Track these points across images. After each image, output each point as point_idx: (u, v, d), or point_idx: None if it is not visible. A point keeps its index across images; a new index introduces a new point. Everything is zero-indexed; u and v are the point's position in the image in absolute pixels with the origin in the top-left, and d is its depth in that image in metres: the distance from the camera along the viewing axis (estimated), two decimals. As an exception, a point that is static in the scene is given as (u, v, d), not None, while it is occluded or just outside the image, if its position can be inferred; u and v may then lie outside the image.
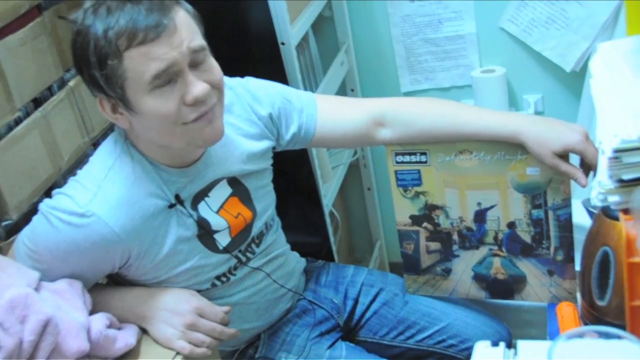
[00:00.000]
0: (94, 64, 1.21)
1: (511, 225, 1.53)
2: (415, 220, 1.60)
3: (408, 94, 2.44)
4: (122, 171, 1.32)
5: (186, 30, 1.22)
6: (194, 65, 1.24)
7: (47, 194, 1.44)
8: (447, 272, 1.63)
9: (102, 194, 1.29)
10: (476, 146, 1.48)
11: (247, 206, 1.49)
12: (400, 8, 2.31)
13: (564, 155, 1.39)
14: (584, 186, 1.37)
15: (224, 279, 1.48)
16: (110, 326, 1.27)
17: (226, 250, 1.45)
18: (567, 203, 1.46)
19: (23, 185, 1.43)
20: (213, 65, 1.29)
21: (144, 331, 1.35)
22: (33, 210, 1.36)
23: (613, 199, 1.07)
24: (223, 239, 1.45)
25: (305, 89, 1.77)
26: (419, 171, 1.55)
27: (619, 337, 0.91)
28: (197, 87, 1.23)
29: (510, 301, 1.62)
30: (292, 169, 1.91)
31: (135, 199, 1.31)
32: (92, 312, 1.28)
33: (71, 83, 1.58)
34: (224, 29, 1.82)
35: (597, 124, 1.15)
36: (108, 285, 1.46)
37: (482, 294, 1.62)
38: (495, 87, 2.25)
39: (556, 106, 2.30)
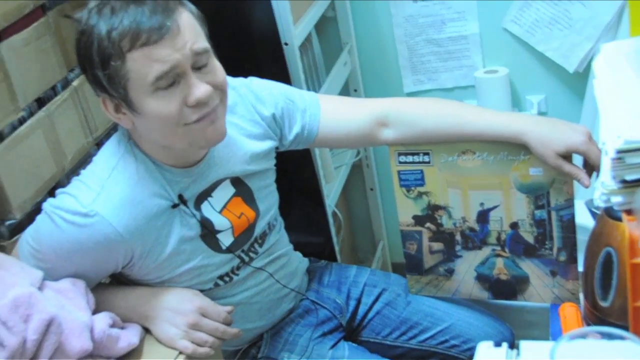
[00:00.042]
0: (97, 64, 1.21)
1: (514, 225, 1.53)
2: (418, 220, 1.60)
3: (411, 94, 2.44)
4: (125, 171, 1.32)
5: (189, 32, 1.23)
6: (197, 67, 1.24)
7: (51, 193, 1.44)
8: (450, 272, 1.63)
9: (105, 194, 1.29)
10: (479, 146, 1.48)
11: (250, 206, 1.49)
12: (403, 8, 2.31)
13: (567, 156, 1.39)
14: (587, 187, 1.37)
15: (226, 278, 1.48)
16: (113, 325, 1.27)
17: (229, 250, 1.46)
18: (570, 204, 1.46)
19: (27, 185, 1.43)
20: (216, 66, 1.29)
21: (147, 331, 1.35)
22: (37, 210, 1.36)
23: (616, 199, 1.07)
24: (226, 239, 1.45)
25: (308, 90, 1.77)
26: (422, 171, 1.55)
27: (621, 337, 0.90)
28: (200, 89, 1.23)
29: (513, 302, 1.62)
30: (295, 169, 1.91)
31: (139, 198, 1.31)
32: (95, 312, 1.28)
33: (75, 83, 1.59)
34: (227, 29, 1.82)
35: (600, 124, 1.15)
36: (111, 284, 1.46)
37: (485, 294, 1.62)
38: (499, 87, 2.25)
39: (559, 107, 2.29)
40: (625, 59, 1.25)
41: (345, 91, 2.40)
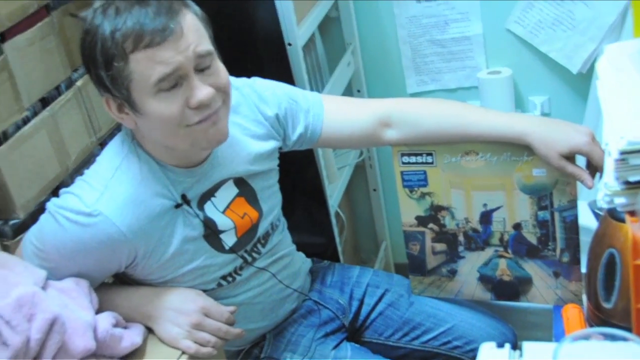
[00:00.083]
0: (101, 64, 1.21)
1: (517, 226, 1.53)
2: (421, 221, 1.60)
3: (414, 95, 2.44)
4: (129, 171, 1.32)
5: (193, 34, 1.23)
6: (200, 69, 1.24)
7: (55, 193, 1.44)
8: (453, 273, 1.63)
9: (109, 194, 1.29)
10: (482, 147, 1.48)
11: (253, 206, 1.49)
12: (407, 9, 2.31)
13: (570, 157, 1.39)
14: (590, 188, 1.37)
15: (229, 279, 1.48)
16: (116, 325, 1.27)
17: (232, 250, 1.46)
18: (573, 205, 1.46)
19: (30, 184, 1.43)
20: (219, 68, 1.29)
21: (149, 330, 1.35)
22: (40, 209, 1.36)
23: (619, 200, 1.07)
24: (229, 239, 1.45)
25: (312, 90, 1.77)
26: (425, 172, 1.55)
27: (624, 339, 0.90)
28: (202, 91, 1.23)
29: (515, 303, 1.62)
30: (298, 169, 1.91)
31: (142, 198, 1.31)
32: (98, 311, 1.28)
33: (79, 83, 1.59)
34: (231, 29, 1.82)
35: (604, 125, 1.15)
36: (114, 284, 1.46)
37: (488, 295, 1.62)
38: (502, 88, 2.25)
39: (562, 108, 2.29)
40: (629, 59, 1.25)
41: (349, 91, 2.40)
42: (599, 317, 1.12)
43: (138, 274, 1.40)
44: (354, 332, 1.70)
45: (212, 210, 1.42)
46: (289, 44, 1.81)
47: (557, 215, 1.48)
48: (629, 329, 1.04)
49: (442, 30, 2.32)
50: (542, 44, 2.21)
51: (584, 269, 1.39)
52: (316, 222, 2.05)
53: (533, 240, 1.52)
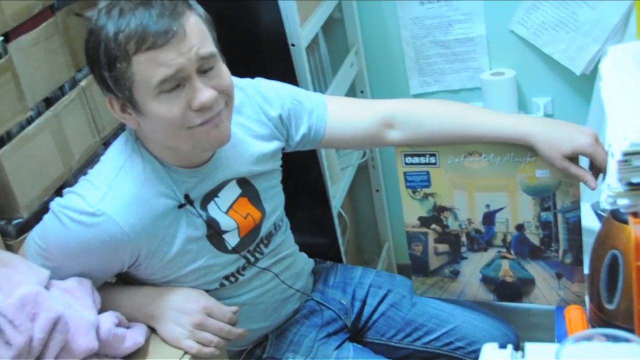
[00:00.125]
0: (104, 65, 1.22)
1: (520, 227, 1.53)
2: (424, 221, 1.60)
3: (417, 96, 2.44)
4: (132, 171, 1.33)
5: (196, 36, 1.23)
6: (203, 70, 1.24)
7: (58, 192, 1.45)
8: (455, 274, 1.63)
9: (112, 194, 1.29)
10: (485, 148, 1.48)
11: (256, 207, 1.49)
12: (410, 10, 2.31)
13: (573, 158, 1.38)
14: (593, 189, 1.37)
15: (232, 279, 1.49)
16: (119, 325, 1.27)
17: (235, 250, 1.46)
18: (576, 206, 1.46)
19: (34, 184, 1.44)
20: (222, 71, 1.29)
21: (152, 330, 1.35)
22: (44, 209, 1.36)
23: (622, 202, 1.07)
24: (232, 239, 1.45)
25: (315, 91, 1.78)
26: (428, 172, 1.55)
27: (627, 340, 0.90)
28: (204, 93, 1.24)
29: (518, 304, 1.62)
30: (301, 170, 1.92)
31: (145, 198, 1.32)
32: (101, 311, 1.28)
33: (82, 83, 1.59)
34: (235, 30, 1.83)
35: (607, 126, 1.15)
36: (117, 284, 1.46)
37: (490, 296, 1.62)
38: (505, 89, 2.25)
39: (566, 109, 2.29)
40: (632, 61, 1.25)
41: (352, 92, 2.40)
42: (601, 319, 1.12)
43: (141, 274, 1.40)
44: (356, 333, 1.70)
45: (215, 210, 1.42)
46: (293, 45, 1.81)
47: (560, 217, 1.48)
48: (631, 330, 1.04)
49: (445, 32, 2.32)
50: (545, 46, 2.21)
51: (586, 270, 1.38)
52: (319, 222, 2.05)
53: (536, 241, 1.52)
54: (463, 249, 1.60)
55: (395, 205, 2.58)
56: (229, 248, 1.45)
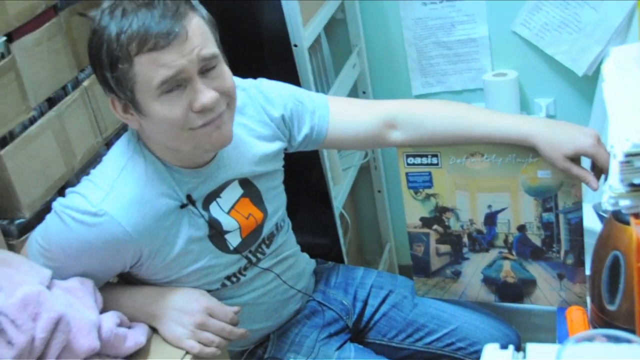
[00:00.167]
0: (106, 66, 1.22)
1: (521, 228, 1.53)
2: (426, 222, 1.60)
3: (419, 96, 2.44)
4: (134, 171, 1.33)
5: (198, 37, 1.23)
6: (205, 70, 1.25)
7: (60, 192, 1.45)
8: (457, 274, 1.63)
9: (114, 194, 1.29)
10: (487, 149, 1.48)
11: (258, 207, 1.49)
12: (413, 11, 2.31)
13: (575, 159, 1.38)
14: (595, 190, 1.37)
15: (234, 279, 1.49)
16: (120, 325, 1.28)
17: (237, 250, 1.46)
18: (578, 206, 1.46)
19: (36, 184, 1.44)
20: (224, 72, 1.29)
21: (154, 330, 1.36)
22: (46, 209, 1.37)
23: (624, 203, 1.07)
24: (234, 240, 1.45)
25: (317, 91, 1.78)
26: (430, 173, 1.55)
27: (628, 341, 0.90)
28: (206, 95, 1.24)
29: (519, 305, 1.62)
30: (303, 170, 1.92)
31: (147, 198, 1.32)
32: (102, 311, 1.29)
33: (85, 83, 1.60)
34: (237, 30, 1.83)
35: (609, 127, 1.15)
36: (119, 284, 1.47)
37: (492, 297, 1.62)
38: (507, 90, 2.25)
39: (568, 110, 2.29)
40: (635, 62, 1.25)
41: (354, 93, 2.40)
42: (602, 320, 1.12)
43: (143, 274, 1.40)
44: (358, 333, 1.70)
45: (217, 210, 1.42)
46: (295, 45, 1.81)
47: (561, 217, 1.48)
48: (632, 331, 1.04)
49: (448, 32, 2.32)
50: (548, 47, 2.21)
51: (588, 271, 1.38)
52: (321, 223, 2.05)
53: (537, 242, 1.52)
54: (465, 250, 1.60)
55: (397, 205, 2.58)
56: (231, 248, 1.45)
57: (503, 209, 1.53)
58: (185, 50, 1.20)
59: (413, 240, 1.63)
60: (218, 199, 1.43)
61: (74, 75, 1.58)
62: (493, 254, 1.58)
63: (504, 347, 1.18)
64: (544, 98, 2.31)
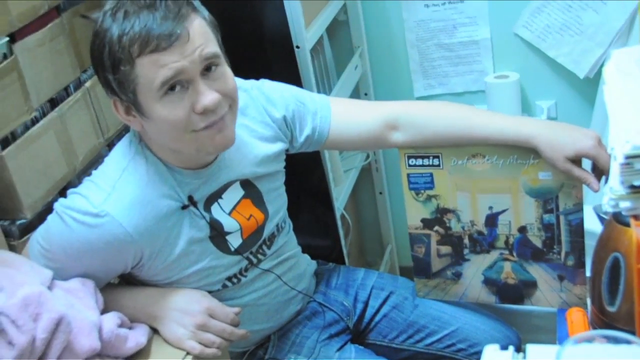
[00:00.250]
0: (108, 68, 1.22)
1: (522, 229, 1.53)
2: (427, 223, 1.60)
3: (421, 98, 2.44)
4: (136, 172, 1.33)
5: (200, 38, 1.23)
6: (206, 70, 1.25)
7: (62, 193, 1.45)
8: (458, 276, 1.63)
9: (116, 195, 1.30)
10: (489, 150, 1.48)
11: (259, 208, 1.50)
12: (415, 13, 2.31)
13: (576, 160, 1.38)
14: (596, 191, 1.37)
15: (235, 280, 1.49)
16: (121, 325, 1.28)
17: (238, 251, 1.46)
18: (578, 208, 1.46)
19: (38, 185, 1.44)
20: (226, 73, 1.29)
21: (154, 331, 1.36)
22: (47, 210, 1.37)
23: (624, 204, 1.07)
24: (235, 241, 1.45)
25: (319, 93, 1.78)
26: (431, 174, 1.55)
27: (628, 342, 0.91)
28: (208, 97, 1.24)
29: (520, 306, 1.62)
30: (304, 171, 1.92)
31: (149, 199, 1.32)
32: (103, 312, 1.29)
33: (87, 84, 1.60)
34: (240, 31, 1.83)
35: (610, 130, 1.15)
36: (120, 284, 1.47)
37: (492, 298, 1.62)
38: (509, 92, 2.25)
39: (569, 112, 2.29)
40: (636, 65, 1.25)
41: (356, 94, 2.40)
42: (603, 321, 1.12)
43: (144, 275, 1.40)
44: (359, 334, 1.70)
45: (219, 211, 1.43)
46: (297, 47, 1.81)
47: (562, 219, 1.48)
48: (632, 333, 1.03)
49: (450, 34, 2.32)
50: (549, 49, 2.21)
51: (588, 273, 1.39)
52: (322, 224, 2.05)
53: (538, 243, 1.52)
54: (465, 251, 1.60)
55: (398, 207, 2.58)
56: (232, 249, 1.45)
57: (504, 210, 1.53)
58: (187, 52, 1.21)
59: (414, 242, 1.63)
60: (219, 200, 1.43)
61: (76, 76, 1.59)
62: (494, 255, 1.58)
63: (504, 348, 1.18)
64: (545, 100, 2.31)
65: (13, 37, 1.41)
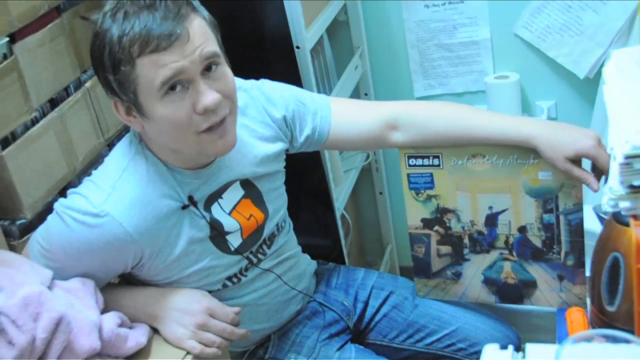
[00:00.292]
0: (109, 68, 1.22)
1: (522, 229, 1.53)
2: (427, 223, 1.60)
3: (421, 98, 2.44)
4: (136, 172, 1.33)
5: (199, 38, 1.23)
6: (207, 70, 1.25)
7: (62, 193, 1.45)
8: (458, 276, 1.63)
9: (116, 195, 1.30)
10: (489, 150, 1.48)
11: (259, 208, 1.50)
12: (415, 13, 2.32)
13: (576, 160, 1.39)
14: (595, 191, 1.37)
15: (235, 280, 1.49)
16: (121, 325, 1.28)
17: (238, 251, 1.46)
18: (578, 208, 1.46)
19: (38, 185, 1.44)
20: (226, 74, 1.29)
21: (154, 331, 1.36)
22: (48, 210, 1.37)
23: (624, 204, 1.07)
24: (235, 240, 1.46)
25: (319, 93, 1.78)
26: (431, 174, 1.55)
27: (627, 341, 0.91)
28: (208, 96, 1.24)
29: (520, 306, 1.62)
30: (304, 171, 1.92)
31: (149, 199, 1.32)
32: (103, 311, 1.29)
33: (87, 84, 1.60)
34: (240, 31, 1.83)
35: (609, 130, 1.15)
36: (120, 284, 1.47)
37: (492, 298, 1.62)
38: (509, 93, 2.25)
39: (569, 113, 2.29)
40: (636, 65, 1.25)
41: (356, 95, 2.41)
42: (602, 320, 1.12)
43: (144, 275, 1.40)
44: (359, 334, 1.70)
45: (219, 211, 1.43)
46: (297, 47, 1.81)
47: (562, 219, 1.48)
48: (632, 332, 1.04)
49: (450, 35, 2.32)
50: (549, 49, 2.21)
51: (588, 273, 1.39)
52: (322, 224, 2.05)
53: (538, 243, 1.53)
54: (465, 251, 1.60)
55: (398, 207, 2.58)
56: (232, 249, 1.45)
57: (504, 210, 1.53)
58: (187, 52, 1.21)
59: (414, 241, 1.63)
60: (219, 200, 1.43)
61: (76, 76, 1.59)
62: (494, 255, 1.58)
63: (504, 347, 1.18)
64: (545, 100, 2.31)
65: (13, 38, 1.41)
